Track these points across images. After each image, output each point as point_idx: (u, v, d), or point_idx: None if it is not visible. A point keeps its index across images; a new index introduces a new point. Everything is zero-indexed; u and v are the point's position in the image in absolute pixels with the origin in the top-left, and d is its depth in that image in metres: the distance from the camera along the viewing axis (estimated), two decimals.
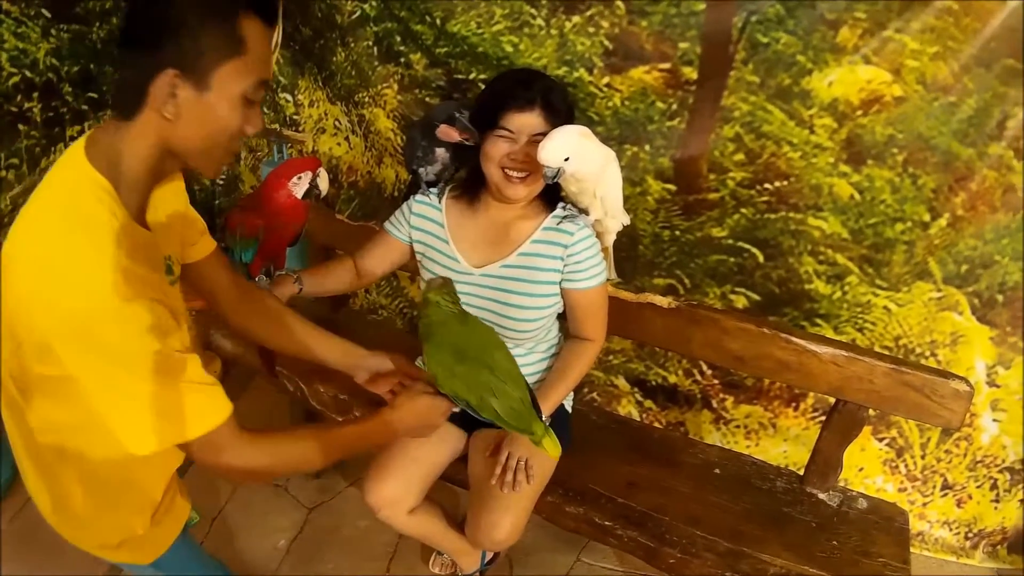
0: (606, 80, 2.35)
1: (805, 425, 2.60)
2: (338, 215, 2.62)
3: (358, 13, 2.64)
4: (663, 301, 2.15)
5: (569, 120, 1.77)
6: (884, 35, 2.09)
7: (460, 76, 2.54)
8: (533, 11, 2.35)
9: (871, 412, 2.10)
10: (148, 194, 1.23)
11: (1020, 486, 2.47)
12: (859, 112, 2.18)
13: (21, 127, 2.40)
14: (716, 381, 2.65)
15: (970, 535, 2.58)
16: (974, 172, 2.15)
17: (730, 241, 2.43)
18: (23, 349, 1.14)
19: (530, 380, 1.90)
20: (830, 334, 2.41)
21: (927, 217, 2.23)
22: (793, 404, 2.58)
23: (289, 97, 3.04)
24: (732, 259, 2.45)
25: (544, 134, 1.69)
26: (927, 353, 2.38)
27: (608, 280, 1.95)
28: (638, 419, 2.79)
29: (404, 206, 2.02)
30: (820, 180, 2.27)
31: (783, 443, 2.65)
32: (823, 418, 2.32)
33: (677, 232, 2.47)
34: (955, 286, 2.28)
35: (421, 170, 1.99)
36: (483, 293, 1.88)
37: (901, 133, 2.16)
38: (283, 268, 1.99)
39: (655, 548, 1.98)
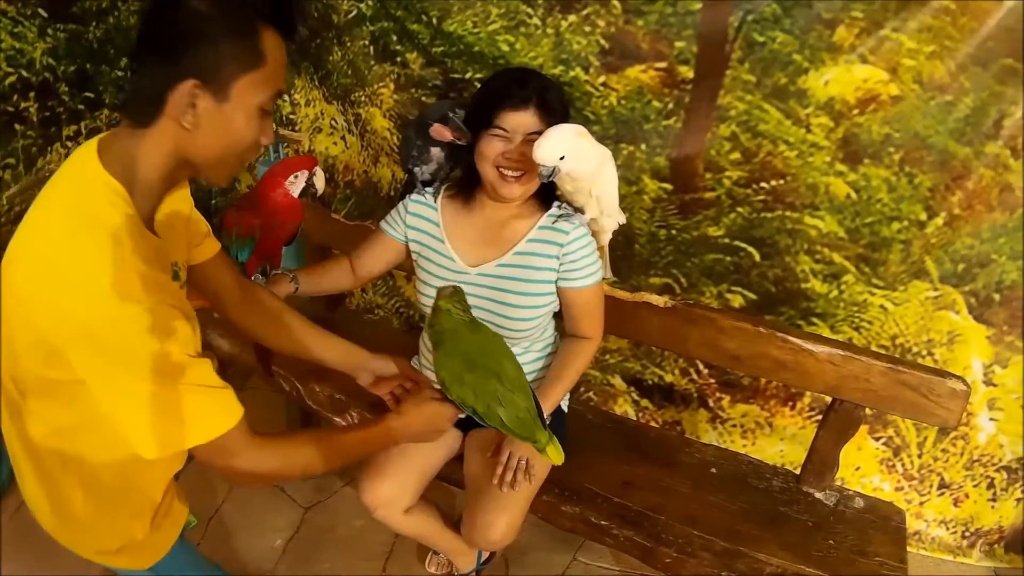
0: (602, 79, 2.34)
1: (801, 424, 2.60)
2: (334, 214, 2.61)
3: (354, 12, 2.64)
4: (659, 300, 2.14)
5: (564, 119, 1.77)
6: (881, 34, 2.09)
7: (456, 75, 2.53)
8: (529, 10, 2.35)
9: (868, 411, 2.09)
10: (160, 201, 1.24)
11: (1017, 485, 2.47)
12: (855, 111, 2.18)
13: (17, 127, 2.40)
14: (712, 380, 2.65)
15: (967, 534, 2.58)
16: (971, 171, 2.15)
17: (726, 240, 2.42)
18: (28, 352, 1.14)
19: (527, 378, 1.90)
20: (827, 333, 2.41)
21: (924, 216, 2.23)
22: (789, 403, 2.58)
23: (285, 96, 3.03)
24: (728, 258, 2.45)
25: (539, 133, 1.69)
26: (924, 352, 2.38)
27: (604, 279, 1.95)
28: (634, 418, 2.79)
29: (400, 205, 2.02)
30: (816, 179, 2.27)
31: (779, 442, 2.65)
32: (819, 417, 2.32)
33: (673, 231, 2.47)
34: (952, 285, 2.28)
35: (416, 169, 1.99)
36: (479, 292, 1.87)
37: (898, 132, 2.16)
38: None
39: (651, 547, 1.97)
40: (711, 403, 2.69)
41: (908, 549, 2.04)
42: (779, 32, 2.15)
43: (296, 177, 1.85)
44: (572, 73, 2.36)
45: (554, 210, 1.89)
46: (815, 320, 2.43)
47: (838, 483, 2.22)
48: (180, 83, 1.10)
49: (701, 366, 2.65)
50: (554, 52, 2.36)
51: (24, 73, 2.38)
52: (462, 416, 1.55)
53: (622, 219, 1.95)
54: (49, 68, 2.45)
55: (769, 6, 2.12)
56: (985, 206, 2.18)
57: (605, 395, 2.82)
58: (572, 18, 2.30)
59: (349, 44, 2.70)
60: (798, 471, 2.19)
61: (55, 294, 1.07)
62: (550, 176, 1.70)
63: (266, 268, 1.96)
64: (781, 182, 2.30)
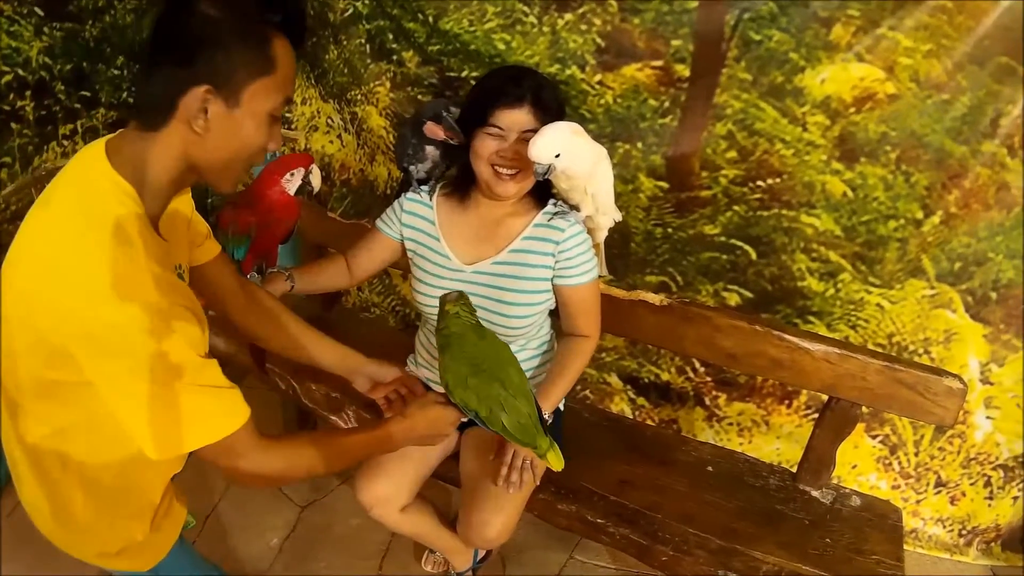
0: (598, 78, 2.34)
1: (798, 422, 2.59)
2: (330, 213, 2.61)
3: (350, 11, 2.64)
4: (655, 298, 2.14)
5: (560, 117, 1.77)
6: (877, 33, 2.08)
7: (452, 74, 2.53)
8: (525, 8, 2.34)
9: (864, 409, 2.09)
10: (166, 204, 1.24)
11: (1014, 483, 2.47)
12: (852, 110, 2.17)
13: (14, 125, 2.39)
14: (709, 379, 2.65)
15: (964, 532, 2.59)
16: (967, 170, 2.15)
17: (723, 238, 2.42)
18: (30, 353, 1.13)
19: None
20: (823, 331, 2.40)
21: (920, 214, 2.23)
22: (786, 401, 2.58)
23: None
24: (725, 256, 2.44)
25: (534, 131, 1.69)
26: (920, 350, 2.38)
27: (600, 277, 1.94)
28: (631, 417, 2.79)
29: (395, 204, 2.02)
30: (813, 177, 2.27)
31: (776, 440, 2.65)
32: (816, 415, 2.32)
33: (669, 229, 2.46)
34: (948, 283, 2.28)
35: (412, 168, 1.99)
36: (474, 290, 1.87)
37: (894, 131, 2.16)
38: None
39: (648, 546, 1.97)
40: (707, 401, 2.69)
41: (905, 547, 2.05)
42: (775, 30, 2.14)
43: (292, 175, 1.86)
44: (568, 71, 2.35)
45: (550, 208, 1.89)
46: (811, 318, 2.43)
47: (835, 481, 2.23)
48: (192, 88, 1.11)
49: (697, 364, 2.64)
50: (550, 50, 2.36)
51: (20, 72, 2.37)
52: (465, 420, 1.55)
53: (618, 217, 1.95)
54: (45, 67, 2.44)
55: (765, 4, 2.12)
56: (982, 205, 2.18)
57: (601, 393, 2.82)
58: (568, 16, 2.30)
59: (345, 42, 2.70)
60: (794, 469, 2.20)
61: (63, 294, 1.06)
62: (545, 174, 1.70)
63: (262, 266, 1.96)
64: (777, 180, 2.29)
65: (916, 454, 2.50)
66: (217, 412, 1.17)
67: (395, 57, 2.62)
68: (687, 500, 2.09)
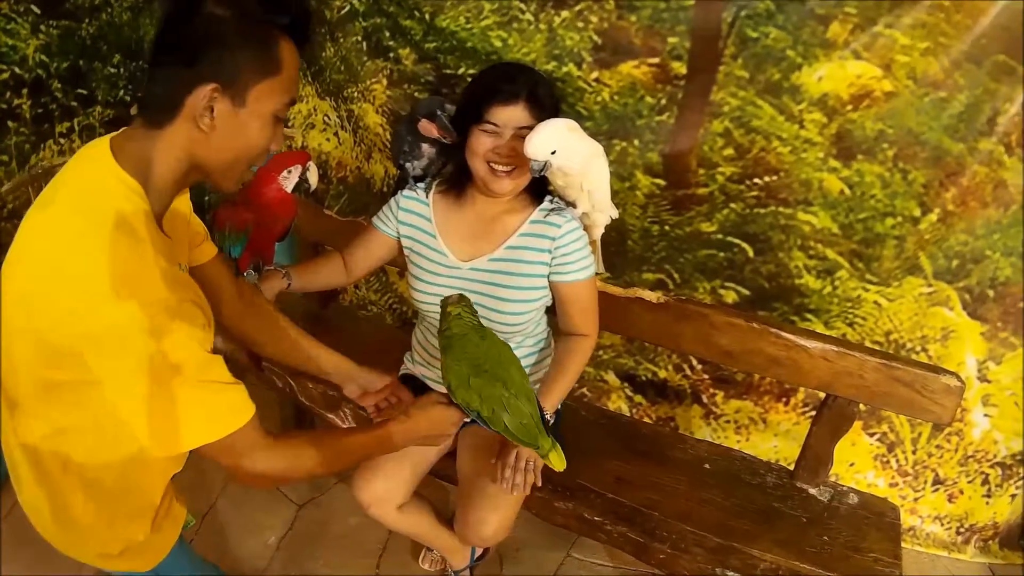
0: (595, 75, 2.34)
1: (795, 420, 2.59)
2: (327, 211, 2.61)
3: (347, 8, 2.64)
4: (652, 296, 2.14)
5: (555, 114, 1.77)
6: (874, 30, 2.09)
7: (449, 71, 2.53)
8: (522, 6, 2.34)
9: (862, 407, 2.09)
10: (170, 203, 1.25)
11: (1011, 481, 2.47)
12: (849, 107, 2.17)
13: (10, 124, 2.39)
14: (706, 376, 2.65)
15: (962, 530, 2.59)
16: (965, 167, 2.15)
17: (719, 236, 2.42)
18: (31, 353, 1.13)
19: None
20: (820, 329, 2.40)
21: (918, 212, 2.23)
22: (783, 399, 2.58)
23: None
24: (722, 254, 2.44)
25: (529, 128, 1.69)
26: (918, 348, 2.38)
27: (597, 274, 1.94)
28: (628, 414, 2.78)
29: (392, 201, 2.02)
30: (810, 175, 2.27)
31: (773, 438, 2.65)
32: (813, 413, 2.32)
33: (666, 227, 2.46)
34: (946, 281, 2.28)
35: (408, 165, 1.98)
36: (471, 287, 1.87)
37: (891, 128, 2.16)
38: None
39: (645, 544, 1.97)
40: (705, 399, 2.69)
41: (902, 545, 2.04)
42: (772, 28, 2.14)
43: (289, 172, 1.85)
44: (565, 69, 2.35)
45: (546, 204, 1.89)
46: (809, 316, 2.43)
47: (832, 479, 2.23)
48: (199, 86, 1.12)
49: (695, 362, 2.64)
50: (547, 48, 2.36)
51: (17, 70, 2.37)
52: (467, 420, 1.55)
53: (614, 214, 1.95)
54: (42, 65, 2.44)
55: (762, 2, 2.12)
56: (979, 202, 2.18)
57: (599, 391, 2.82)
58: (565, 14, 2.30)
59: (342, 40, 2.70)
60: (792, 467, 2.19)
61: (71, 292, 1.06)
62: (541, 171, 1.70)
63: (258, 264, 1.96)
64: (774, 178, 2.29)
65: (914, 452, 2.50)
66: (222, 409, 1.17)
67: (391, 54, 2.61)
68: (684, 498, 2.08)
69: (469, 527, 1.90)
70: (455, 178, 1.93)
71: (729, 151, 2.30)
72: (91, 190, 1.13)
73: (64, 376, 1.11)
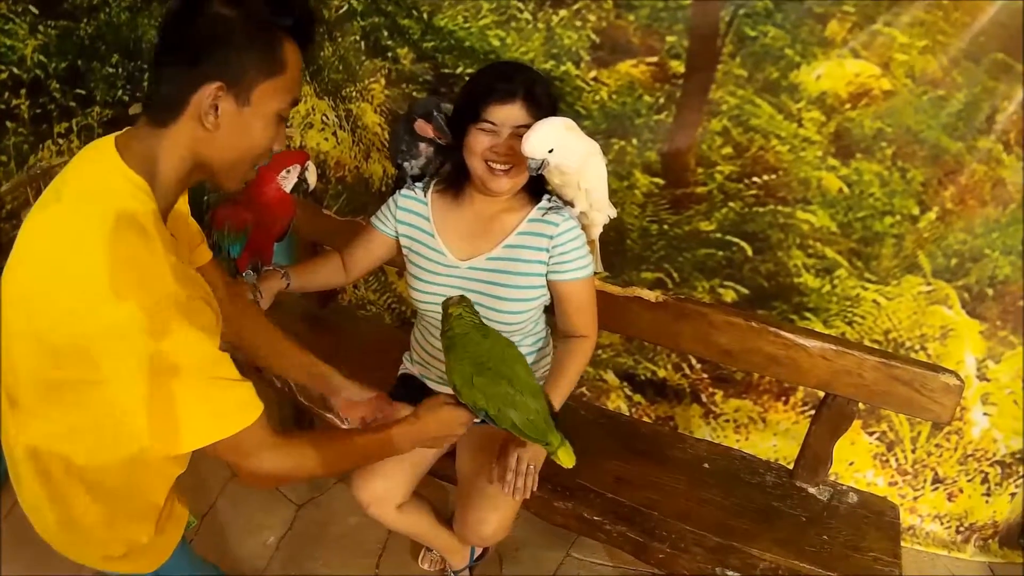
0: (593, 74, 2.34)
1: (795, 419, 2.59)
2: (325, 211, 2.61)
3: (345, 8, 2.64)
4: (651, 295, 2.14)
5: (552, 112, 1.76)
6: (873, 29, 2.09)
7: (447, 70, 2.53)
8: (520, 5, 2.34)
9: (861, 406, 2.09)
10: (174, 203, 1.25)
11: (1011, 479, 2.47)
12: (847, 106, 2.17)
13: (9, 124, 2.38)
14: (705, 375, 2.65)
15: (961, 529, 2.58)
16: (963, 166, 2.15)
17: (718, 235, 2.42)
18: (34, 353, 1.13)
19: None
20: (819, 328, 2.40)
21: (916, 211, 2.23)
22: (783, 398, 2.58)
23: None
24: (720, 253, 2.44)
25: (527, 126, 1.69)
26: (917, 347, 2.38)
27: (595, 273, 1.94)
28: (627, 414, 2.78)
29: (390, 200, 2.02)
30: (808, 174, 2.27)
31: (773, 437, 2.64)
32: (812, 412, 2.31)
33: (665, 226, 2.46)
34: (945, 280, 2.28)
35: (406, 164, 1.98)
36: (469, 286, 1.87)
37: (890, 127, 2.16)
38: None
39: (644, 543, 1.97)
40: (704, 398, 2.68)
41: (902, 544, 2.04)
42: (771, 26, 2.14)
43: (288, 172, 1.86)
44: (563, 68, 2.35)
45: (544, 203, 1.89)
46: (808, 315, 2.43)
47: (831, 478, 2.22)
48: (205, 85, 1.12)
49: (694, 361, 2.64)
50: (545, 47, 2.36)
51: (15, 70, 2.37)
52: (476, 421, 1.55)
53: (613, 213, 1.95)
54: (40, 65, 2.44)
55: (760, 0, 2.12)
56: (978, 201, 2.18)
57: (598, 391, 2.82)
58: (563, 13, 2.30)
59: (340, 39, 2.70)
60: (791, 466, 2.19)
61: (80, 291, 1.06)
62: (538, 169, 1.70)
63: (257, 264, 1.96)
64: (773, 177, 2.29)
65: (913, 451, 2.50)
66: (230, 406, 1.17)
67: (390, 54, 2.62)
68: (684, 497, 2.08)
69: (468, 527, 1.90)
70: (453, 177, 1.93)
71: (728, 150, 2.30)
72: (98, 189, 1.13)
73: (66, 376, 1.11)
